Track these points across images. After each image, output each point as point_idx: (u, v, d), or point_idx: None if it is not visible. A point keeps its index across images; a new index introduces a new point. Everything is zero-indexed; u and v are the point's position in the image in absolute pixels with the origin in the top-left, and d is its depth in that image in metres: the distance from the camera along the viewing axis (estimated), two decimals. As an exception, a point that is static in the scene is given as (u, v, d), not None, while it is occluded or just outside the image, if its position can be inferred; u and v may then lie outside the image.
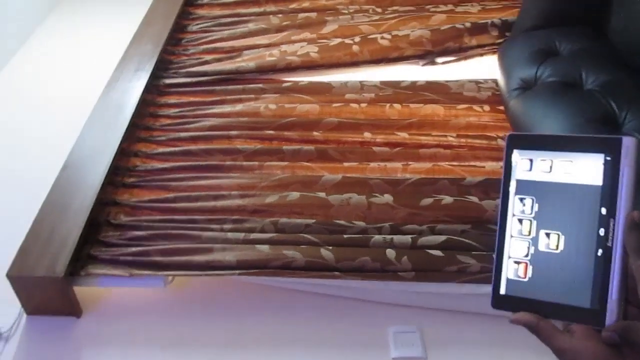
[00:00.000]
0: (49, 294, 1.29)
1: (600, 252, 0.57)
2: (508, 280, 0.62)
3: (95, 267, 1.31)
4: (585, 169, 0.59)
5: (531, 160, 0.62)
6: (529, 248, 0.61)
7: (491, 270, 0.64)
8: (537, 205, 0.61)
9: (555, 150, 0.61)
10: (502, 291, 0.63)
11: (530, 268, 0.61)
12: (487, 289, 0.64)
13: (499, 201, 0.64)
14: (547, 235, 0.60)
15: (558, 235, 0.60)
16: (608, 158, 0.57)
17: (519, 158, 0.63)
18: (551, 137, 0.63)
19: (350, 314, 1.32)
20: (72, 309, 1.32)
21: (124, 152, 1.57)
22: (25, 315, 1.33)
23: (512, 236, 0.63)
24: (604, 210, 0.57)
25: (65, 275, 1.25)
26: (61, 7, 2.53)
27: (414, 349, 1.24)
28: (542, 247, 0.61)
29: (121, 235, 1.38)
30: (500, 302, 0.63)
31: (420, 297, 1.30)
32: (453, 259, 1.27)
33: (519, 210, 0.62)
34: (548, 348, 0.59)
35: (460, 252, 1.29)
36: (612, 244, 0.57)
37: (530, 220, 0.62)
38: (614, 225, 0.57)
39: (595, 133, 1.38)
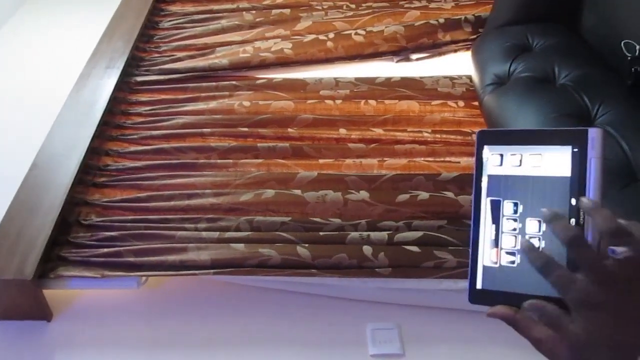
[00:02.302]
0: (18, 297, 1.25)
1: None
2: (484, 274, 0.62)
3: (66, 268, 1.28)
4: (554, 161, 0.60)
5: (501, 155, 0.63)
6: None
7: (468, 265, 0.64)
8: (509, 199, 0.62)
9: (524, 145, 0.62)
10: (479, 285, 0.63)
11: (507, 260, 0.62)
12: (465, 284, 0.64)
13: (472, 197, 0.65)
14: None
15: None
16: (575, 150, 0.59)
17: (489, 154, 0.64)
18: (520, 132, 0.65)
19: (327, 312, 1.31)
20: (42, 312, 1.28)
21: (94, 150, 1.54)
22: (-7, 320, 1.29)
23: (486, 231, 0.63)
24: (573, 201, 0.58)
25: (34, 278, 1.22)
26: (30, 2, 2.47)
27: (392, 346, 1.24)
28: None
29: (92, 236, 1.35)
30: (477, 296, 0.63)
31: (397, 293, 1.30)
32: (430, 254, 1.27)
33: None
34: (525, 340, 0.59)
35: (437, 248, 1.29)
36: (583, 234, 0.57)
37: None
38: (584, 215, 0.57)
39: (567, 127, 1.39)
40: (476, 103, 1.72)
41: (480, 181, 0.64)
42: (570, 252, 0.56)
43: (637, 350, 0.51)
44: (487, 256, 0.63)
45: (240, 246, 1.29)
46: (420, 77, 1.82)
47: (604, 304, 0.53)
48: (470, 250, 0.64)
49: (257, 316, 1.30)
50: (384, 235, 1.32)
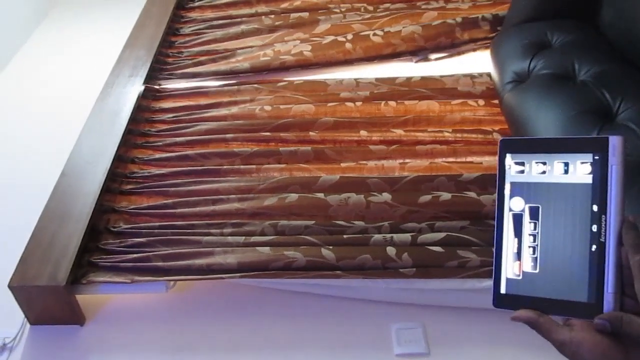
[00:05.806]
0: (52, 303, 1.29)
1: (594, 247, 0.59)
2: (508, 279, 0.64)
3: (97, 274, 1.31)
4: (575, 168, 0.61)
5: (523, 163, 0.64)
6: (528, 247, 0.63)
7: (492, 264, 0.66)
8: (531, 206, 0.64)
9: (546, 152, 0.64)
10: (503, 290, 0.64)
11: (529, 266, 0.63)
12: (489, 283, 0.66)
13: (495, 199, 0.66)
14: None
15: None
16: (596, 157, 0.60)
17: (511, 161, 0.65)
18: (542, 140, 0.67)
19: (352, 313, 1.33)
20: (75, 317, 1.32)
21: (120, 158, 1.57)
22: (28, 325, 1.33)
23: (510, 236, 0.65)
24: (595, 208, 0.60)
25: (67, 284, 1.26)
26: (53, 14, 2.53)
27: (417, 345, 1.25)
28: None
29: (121, 242, 1.38)
30: (501, 301, 0.64)
31: (421, 294, 1.31)
32: (453, 254, 1.28)
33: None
34: (549, 343, 0.60)
35: (460, 248, 1.30)
36: (605, 240, 0.59)
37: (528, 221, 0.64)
38: (605, 221, 0.59)
39: (590, 124, 1.39)
40: (496, 101, 1.72)
41: (503, 188, 0.65)
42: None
43: None
44: (509, 268, 0.64)
45: (266, 249, 1.31)
46: (440, 77, 1.82)
47: None
48: (494, 256, 0.65)
49: (283, 319, 1.33)
50: (407, 236, 1.33)
